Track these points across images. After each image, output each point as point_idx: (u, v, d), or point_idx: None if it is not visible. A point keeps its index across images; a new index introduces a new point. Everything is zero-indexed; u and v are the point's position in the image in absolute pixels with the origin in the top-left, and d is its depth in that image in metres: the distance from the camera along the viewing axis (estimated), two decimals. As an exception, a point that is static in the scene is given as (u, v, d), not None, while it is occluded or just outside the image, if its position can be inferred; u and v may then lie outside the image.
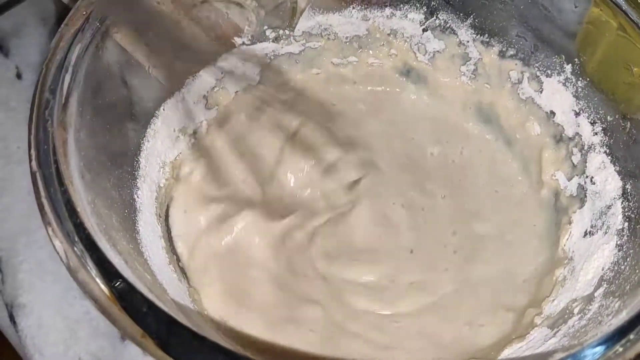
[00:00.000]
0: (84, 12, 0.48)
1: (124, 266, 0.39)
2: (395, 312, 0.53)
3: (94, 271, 0.36)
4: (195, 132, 0.62)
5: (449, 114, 0.65)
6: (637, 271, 0.42)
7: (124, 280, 0.36)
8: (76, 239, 0.37)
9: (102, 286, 0.36)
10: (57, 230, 0.37)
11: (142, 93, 0.55)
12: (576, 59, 0.57)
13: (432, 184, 0.60)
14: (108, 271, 0.36)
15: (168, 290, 0.47)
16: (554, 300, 0.51)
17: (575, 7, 0.56)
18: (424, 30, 0.66)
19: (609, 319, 0.39)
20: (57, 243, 0.37)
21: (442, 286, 0.54)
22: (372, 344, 0.50)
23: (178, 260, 0.54)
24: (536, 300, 0.53)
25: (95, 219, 0.41)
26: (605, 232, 0.50)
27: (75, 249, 0.37)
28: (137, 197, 0.52)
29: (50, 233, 0.38)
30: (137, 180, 0.53)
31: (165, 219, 0.56)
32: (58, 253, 0.37)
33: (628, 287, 0.41)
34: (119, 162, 0.51)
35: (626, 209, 0.49)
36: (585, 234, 0.53)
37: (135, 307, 0.35)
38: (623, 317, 0.36)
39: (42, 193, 0.39)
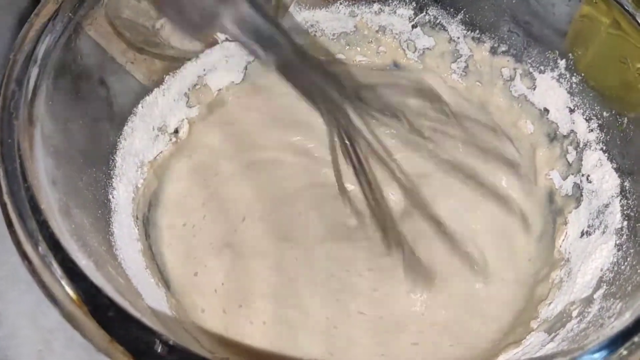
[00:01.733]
0: (56, 2, 0.45)
1: (92, 268, 0.36)
2: None
3: (58, 272, 0.34)
4: (176, 131, 0.60)
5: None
6: (639, 271, 0.40)
7: (91, 283, 0.34)
8: (40, 238, 0.35)
9: (67, 288, 0.33)
10: (19, 229, 0.35)
11: (119, 89, 0.53)
12: (570, 54, 0.55)
13: None
14: (73, 272, 0.34)
15: (144, 295, 0.44)
16: (550, 303, 0.49)
17: (569, 0, 0.54)
18: (414, 26, 0.64)
19: (611, 321, 0.37)
20: (19, 242, 0.35)
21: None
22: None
23: (157, 264, 0.51)
24: (532, 304, 0.50)
25: (63, 218, 0.38)
26: (603, 232, 0.48)
27: (40, 248, 0.35)
28: (113, 197, 0.49)
29: (12, 232, 0.35)
30: (113, 179, 0.50)
31: (144, 221, 0.53)
32: (19, 253, 0.34)
33: (630, 287, 0.39)
34: (93, 161, 0.48)
35: (625, 207, 0.47)
36: (582, 234, 0.51)
37: (101, 312, 0.33)
38: (626, 318, 0.34)
39: (4, 189, 0.36)
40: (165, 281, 0.51)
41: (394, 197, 0.56)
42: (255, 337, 0.48)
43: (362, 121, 0.52)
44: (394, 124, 0.55)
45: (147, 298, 0.45)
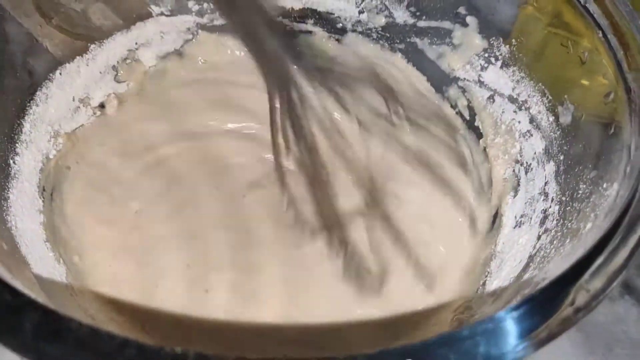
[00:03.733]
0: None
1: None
2: None
3: None
4: (102, 105, 0.56)
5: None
6: (562, 251, 0.37)
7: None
8: None
9: None
10: None
11: (32, 50, 0.49)
12: (514, 40, 0.53)
13: None
14: None
15: (33, 264, 0.40)
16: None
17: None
18: (360, 12, 0.61)
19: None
20: None
21: None
22: None
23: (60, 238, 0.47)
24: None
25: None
26: (536, 220, 0.45)
27: None
28: (14, 162, 0.46)
29: None
30: (17, 145, 0.47)
31: (52, 193, 0.49)
32: None
33: (550, 268, 0.36)
34: (-7, 120, 0.44)
35: (557, 193, 0.44)
36: (517, 224, 0.48)
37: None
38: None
39: None
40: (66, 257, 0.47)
41: (341, 186, 0.52)
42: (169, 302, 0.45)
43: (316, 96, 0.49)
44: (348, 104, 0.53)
45: (39, 269, 0.41)
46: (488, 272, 0.47)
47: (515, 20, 0.53)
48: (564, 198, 0.43)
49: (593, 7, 0.43)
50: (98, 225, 0.48)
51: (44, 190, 0.48)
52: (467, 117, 0.58)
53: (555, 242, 0.39)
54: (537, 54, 0.51)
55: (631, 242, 0.29)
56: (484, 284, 0.46)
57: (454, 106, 0.59)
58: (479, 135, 0.57)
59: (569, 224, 0.39)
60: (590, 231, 0.34)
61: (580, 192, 0.40)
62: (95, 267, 0.46)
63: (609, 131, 0.40)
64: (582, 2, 0.45)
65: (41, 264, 0.42)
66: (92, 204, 0.50)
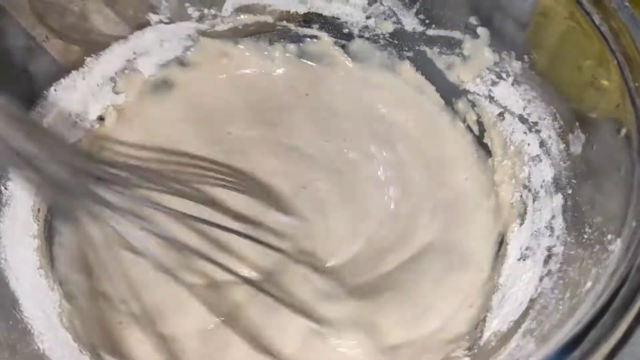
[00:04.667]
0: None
1: None
2: None
3: None
4: (101, 118, 0.55)
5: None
6: (560, 307, 0.35)
7: None
8: None
9: None
10: None
11: (29, 65, 0.48)
12: (526, 56, 0.50)
13: None
14: None
15: (22, 300, 0.40)
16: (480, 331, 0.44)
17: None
18: (367, 17, 0.59)
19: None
20: None
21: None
22: None
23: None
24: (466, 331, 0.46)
25: None
26: (539, 256, 0.43)
27: None
28: (5, 188, 0.45)
29: None
30: (8, 168, 0.46)
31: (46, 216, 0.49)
32: None
33: (547, 327, 0.35)
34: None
35: (563, 232, 0.42)
36: (521, 257, 0.46)
37: None
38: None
39: None
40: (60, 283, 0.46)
41: None
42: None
43: None
44: None
45: (28, 303, 0.41)
46: (489, 307, 0.45)
47: (527, 35, 0.50)
48: (569, 239, 0.41)
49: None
50: None
51: (38, 211, 0.48)
52: (477, 133, 0.56)
53: (556, 291, 0.37)
54: (549, 74, 0.48)
55: (625, 321, 0.27)
56: (484, 319, 0.45)
57: (462, 120, 0.57)
58: (487, 153, 0.54)
59: (571, 273, 0.37)
60: (589, 292, 0.32)
61: (585, 237, 0.38)
62: None
63: (619, 172, 0.38)
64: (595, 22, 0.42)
65: (32, 295, 0.42)
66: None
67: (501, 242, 0.50)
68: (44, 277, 0.45)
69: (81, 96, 0.53)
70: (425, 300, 0.47)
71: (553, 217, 0.44)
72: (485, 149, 0.55)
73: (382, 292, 0.47)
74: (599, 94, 0.43)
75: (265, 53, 0.60)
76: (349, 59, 0.60)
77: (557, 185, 0.45)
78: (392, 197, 0.53)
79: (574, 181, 0.43)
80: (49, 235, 0.48)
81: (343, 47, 0.61)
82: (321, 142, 0.56)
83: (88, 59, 0.53)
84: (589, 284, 0.33)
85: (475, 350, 0.42)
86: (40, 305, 0.42)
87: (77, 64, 0.52)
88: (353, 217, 0.51)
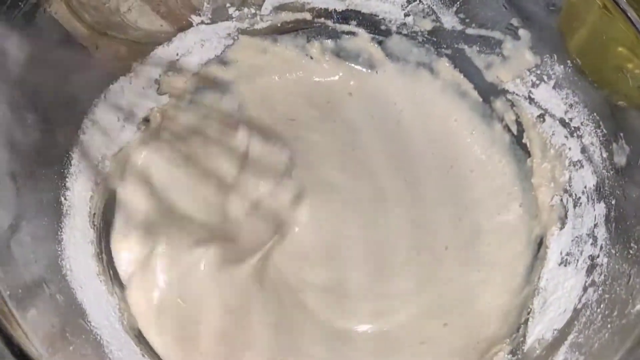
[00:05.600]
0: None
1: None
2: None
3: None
4: (147, 119, 0.56)
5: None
6: (609, 325, 0.37)
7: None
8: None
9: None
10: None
11: (78, 77, 0.49)
12: (569, 61, 0.50)
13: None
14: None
15: (88, 310, 0.42)
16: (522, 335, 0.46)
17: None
18: (406, 15, 0.59)
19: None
20: None
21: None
22: None
23: (111, 267, 0.49)
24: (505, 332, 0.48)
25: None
26: (582, 265, 0.45)
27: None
28: (65, 199, 0.47)
29: None
30: (67, 179, 0.47)
31: (101, 219, 0.51)
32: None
33: (596, 345, 0.36)
34: (41, 161, 0.45)
35: (607, 242, 0.43)
36: (562, 262, 0.47)
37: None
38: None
39: None
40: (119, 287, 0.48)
41: None
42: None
43: None
44: None
45: (94, 311, 0.43)
46: (530, 310, 0.47)
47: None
48: (613, 251, 0.42)
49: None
50: None
51: (93, 216, 0.50)
52: (515, 133, 0.56)
53: (602, 306, 0.39)
54: (594, 80, 0.49)
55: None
56: (525, 322, 0.47)
57: (500, 119, 0.57)
58: (527, 153, 0.55)
59: (618, 289, 0.38)
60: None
61: (632, 252, 0.39)
62: None
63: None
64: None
65: (96, 303, 0.44)
66: None
67: (540, 244, 0.52)
68: (104, 283, 0.47)
69: (128, 100, 0.54)
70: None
71: (595, 225, 0.46)
72: (524, 149, 0.56)
73: None
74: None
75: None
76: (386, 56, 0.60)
77: (600, 193, 0.46)
78: None
79: (618, 192, 0.44)
80: (105, 239, 0.50)
81: (380, 43, 0.61)
82: None
83: (134, 64, 0.54)
84: (637, 306, 0.35)
85: (519, 356, 0.43)
86: (104, 312, 0.44)
87: (125, 70, 0.53)
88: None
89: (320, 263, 0.51)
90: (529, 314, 0.47)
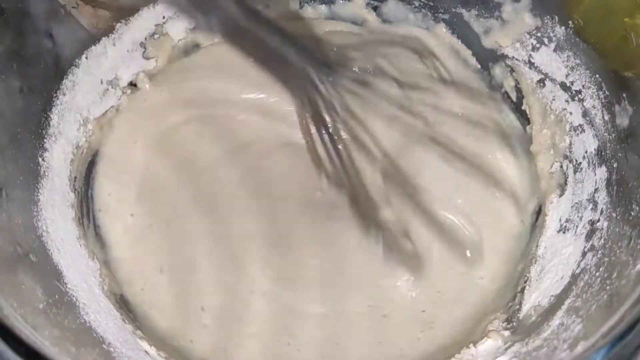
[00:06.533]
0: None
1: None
2: None
3: None
4: (133, 84, 0.55)
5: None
6: (608, 287, 0.35)
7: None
8: None
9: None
10: None
11: (58, 37, 0.47)
12: (570, 21, 0.48)
13: None
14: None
15: (65, 271, 0.41)
16: (518, 303, 0.44)
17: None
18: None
19: (564, 347, 0.32)
20: None
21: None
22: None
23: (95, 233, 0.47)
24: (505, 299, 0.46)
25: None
26: (581, 230, 0.43)
27: None
28: (43, 160, 0.45)
29: None
30: (45, 140, 0.46)
31: (82, 183, 0.49)
32: None
33: (594, 307, 0.34)
34: (18, 120, 0.43)
35: (607, 206, 0.41)
36: (560, 229, 0.45)
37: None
38: (577, 352, 0.29)
39: None
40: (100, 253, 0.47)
41: (373, 178, 0.50)
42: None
43: (333, 91, 0.46)
44: (367, 93, 0.50)
45: (71, 274, 0.41)
46: (527, 278, 0.45)
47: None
48: (614, 214, 0.40)
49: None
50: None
51: (74, 180, 0.48)
52: (514, 100, 0.54)
53: (601, 269, 0.37)
54: (596, 41, 0.47)
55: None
56: (522, 290, 0.45)
57: (500, 86, 0.55)
58: (526, 120, 0.53)
59: (618, 252, 0.36)
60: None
61: (633, 214, 0.37)
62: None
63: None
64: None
65: (74, 266, 0.42)
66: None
67: (539, 212, 0.50)
68: (84, 247, 0.45)
69: (112, 63, 0.52)
70: None
71: (596, 190, 0.44)
72: (523, 116, 0.54)
73: None
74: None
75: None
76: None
77: (601, 157, 0.44)
78: None
79: (620, 155, 0.42)
80: (85, 203, 0.48)
81: (375, 9, 0.59)
82: None
83: (118, 25, 0.52)
84: (638, 265, 0.33)
85: (514, 324, 0.42)
86: (82, 275, 0.42)
87: (107, 31, 0.51)
88: None
89: None
90: (525, 282, 0.45)
